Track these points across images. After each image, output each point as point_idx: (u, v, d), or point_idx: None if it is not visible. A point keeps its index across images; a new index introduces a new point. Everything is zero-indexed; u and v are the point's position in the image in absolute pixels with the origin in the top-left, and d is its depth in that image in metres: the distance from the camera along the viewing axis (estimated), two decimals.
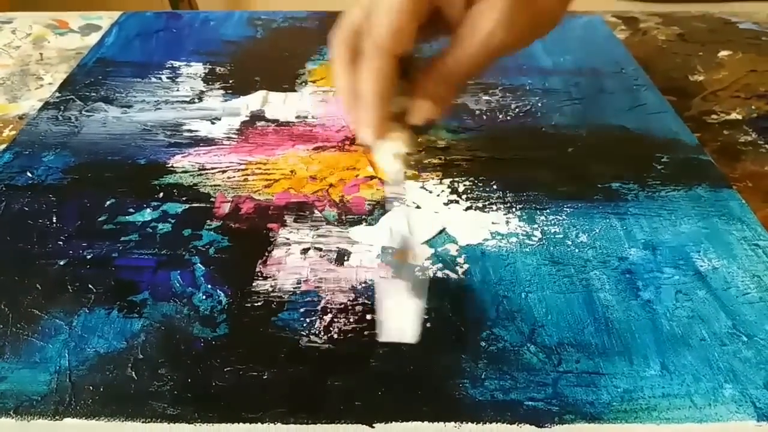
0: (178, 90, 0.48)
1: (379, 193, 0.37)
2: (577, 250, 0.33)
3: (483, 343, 0.28)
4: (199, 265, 0.32)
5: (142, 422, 0.25)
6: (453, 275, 0.31)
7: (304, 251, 0.33)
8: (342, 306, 0.29)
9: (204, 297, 0.30)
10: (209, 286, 0.30)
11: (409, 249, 0.30)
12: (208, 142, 0.42)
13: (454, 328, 0.28)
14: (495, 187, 0.37)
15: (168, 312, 0.29)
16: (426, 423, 0.25)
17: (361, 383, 0.26)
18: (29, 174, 0.38)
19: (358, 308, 0.29)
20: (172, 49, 0.54)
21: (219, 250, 0.33)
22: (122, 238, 0.33)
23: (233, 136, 0.42)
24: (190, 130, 0.43)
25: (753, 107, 0.47)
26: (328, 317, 0.29)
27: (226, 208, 0.36)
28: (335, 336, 0.28)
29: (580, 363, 0.27)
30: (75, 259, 0.32)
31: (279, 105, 0.46)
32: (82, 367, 0.27)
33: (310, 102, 0.46)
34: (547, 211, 0.35)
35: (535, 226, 0.34)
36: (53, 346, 0.27)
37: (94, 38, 0.56)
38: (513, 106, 0.46)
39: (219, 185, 0.37)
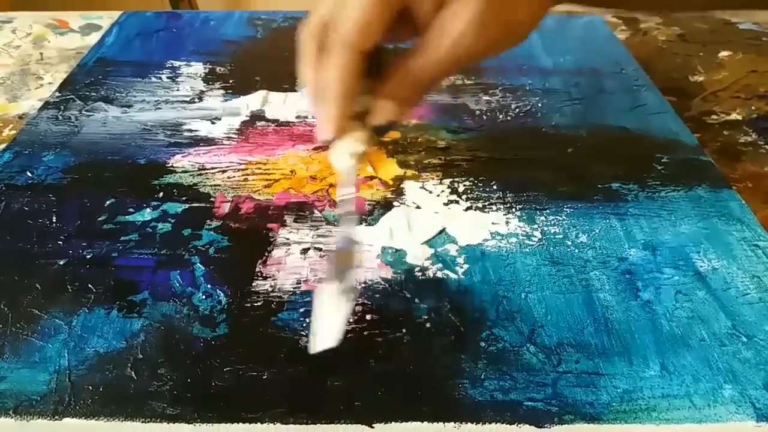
0: (178, 90, 0.48)
1: (380, 193, 0.37)
2: (576, 251, 0.33)
3: (483, 344, 0.28)
4: (198, 265, 0.32)
5: (142, 422, 0.25)
6: (453, 275, 0.31)
7: (304, 251, 0.33)
8: None
9: (204, 297, 0.30)
10: (209, 286, 0.30)
11: (353, 252, 0.30)
12: (208, 141, 0.42)
13: (453, 329, 0.28)
14: (495, 187, 0.37)
15: (168, 312, 0.29)
16: (425, 423, 0.25)
17: (361, 383, 0.26)
18: (29, 173, 0.38)
19: (358, 308, 0.29)
20: (173, 48, 0.54)
21: (219, 250, 0.33)
22: (122, 238, 0.33)
23: (233, 135, 0.42)
24: (190, 130, 0.43)
25: (753, 108, 0.47)
26: None
27: (226, 207, 0.36)
28: None
29: (580, 363, 0.27)
30: (75, 258, 0.32)
31: (279, 105, 0.46)
32: (82, 366, 0.27)
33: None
34: (547, 211, 0.35)
35: (535, 226, 0.34)
36: (53, 346, 0.27)
37: (94, 38, 0.56)
38: (513, 106, 0.46)
39: (219, 185, 0.37)
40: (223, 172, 0.39)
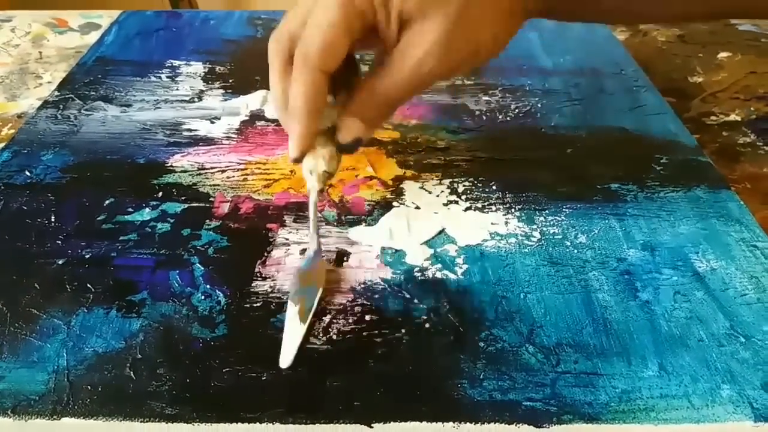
0: (177, 89, 0.48)
1: (379, 193, 0.37)
2: (575, 251, 0.33)
3: (482, 344, 0.28)
4: (198, 265, 0.32)
5: (141, 422, 0.25)
6: (452, 275, 0.31)
7: (304, 252, 0.33)
8: (341, 307, 0.29)
9: (203, 297, 0.30)
10: (208, 286, 0.30)
11: (318, 270, 0.30)
12: (208, 141, 0.42)
13: (452, 329, 0.28)
14: (494, 187, 0.37)
15: (167, 312, 0.29)
16: (424, 423, 0.25)
17: (360, 383, 0.26)
18: (28, 173, 0.38)
19: (357, 309, 0.29)
20: (172, 48, 0.54)
21: (218, 250, 0.33)
22: (121, 238, 0.33)
23: (233, 135, 0.42)
24: (189, 130, 0.43)
25: (752, 109, 0.47)
26: (327, 318, 0.29)
27: (225, 207, 0.36)
28: (334, 336, 0.28)
29: (579, 363, 0.27)
30: (73, 258, 0.32)
31: None
32: (81, 366, 0.27)
33: None
34: (546, 211, 0.35)
35: (534, 226, 0.34)
36: (51, 346, 0.27)
37: (93, 37, 0.56)
38: (513, 106, 0.46)
39: (218, 185, 0.37)
40: (223, 171, 0.39)
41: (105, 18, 0.60)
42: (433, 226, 0.34)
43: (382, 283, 0.31)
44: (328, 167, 0.28)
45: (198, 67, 0.51)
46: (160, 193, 0.37)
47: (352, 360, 0.27)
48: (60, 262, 0.32)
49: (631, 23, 0.56)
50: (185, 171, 0.39)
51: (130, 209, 0.35)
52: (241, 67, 0.51)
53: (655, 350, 0.27)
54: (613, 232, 0.34)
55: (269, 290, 0.30)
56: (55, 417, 0.25)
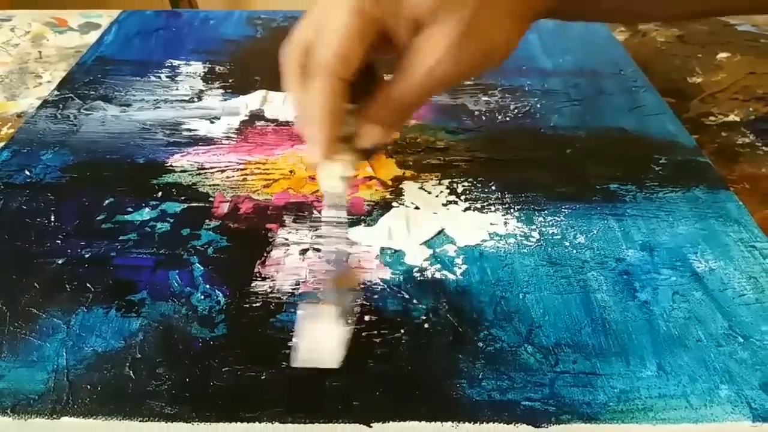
0: (177, 89, 0.48)
1: (378, 193, 0.37)
2: (574, 251, 0.33)
3: (480, 344, 0.28)
4: (197, 264, 0.32)
5: (140, 421, 0.25)
6: (451, 276, 0.31)
7: (303, 252, 0.33)
8: None
9: (202, 297, 0.30)
10: (208, 286, 0.31)
11: (351, 272, 0.30)
12: (207, 141, 0.42)
13: (451, 329, 0.28)
14: (493, 188, 0.37)
15: (166, 312, 0.29)
16: (423, 423, 0.25)
17: (359, 383, 0.26)
18: (27, 172, 0.38)
19: (356, 309, 0.29)
20: (172, 47, 0.54)
21: (217, 250, 0.33)
22: (120, 238, 0.33)
23: (232, 135, 0.42)
24: (189, 130, 0.43)
25: (751, 109, 0.47)
26: None
27: (224, 207, 0.36)
28: None
29: (577, 363, 0.27)
30: (73, 258, 0.32)
31: (279, 105, 0.46)
32: (80, 366, 0.27)
33: None
34: (546, 212, 0.36)
35: (533, 227, 0.34)
36: (51, 345, 0.27)
37: (93, 36, 0.56)
38: (512, 107, 0.46)
39: (218, 185, 0.37)
40: (222, 171, 0.39)
41: (105, 18, 0.60)
42: (433, 227, 0.34)
43: (381, 283, 0.31)
44: (347, 173, 0.29)
45: (198, 67, 0.51)
46: (160, 193, 0.37)
47: (351, 360, 0.27)
48: (59, 261, 0.32)
49: (631, 23, 0.56)
50: (185, 171, 0.39)
51: (130, 209, 0.35)
52: (241, 67, 0.51)
53: (653, 350, 0.28)
54: (611, 232, 0.34)
55: (269, 290, 0.30)
56: (54, 416, 0.25)
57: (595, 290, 0.30)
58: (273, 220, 0.35)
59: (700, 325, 0.29)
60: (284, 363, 0.27)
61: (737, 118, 0.46)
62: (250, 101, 0.46)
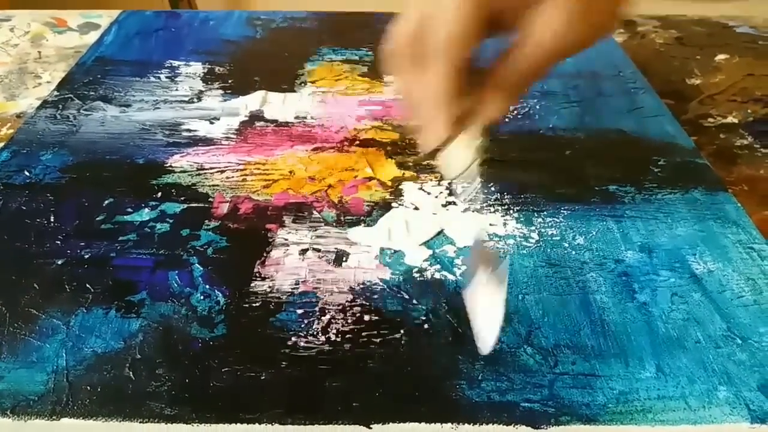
0: (177, 89, 0.48)
1: (378, 194, 0.37)
2: (573, 253, 0.33)
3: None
4: (197, 265, 0.32)
5: (140, 422, 0.25)
6: (450, 276, 0.31)
7: (303, 252, 0.33)
8: (340, 307, 0.30)
9: (202, 297, 0.30)
10: (207, 286, 0.31)
11: (491, 253, 0.30)
12: (207, 142, 0.42)
13: (451, 329, 0.29)
14: (493, 189, 0.37)
15: (166, 312, 0.29)
16: (423, 424, 0.25)
17: (359, 384, 0.26)
18: (27, 173, 0.38)
19: (356, 309, 0.29)
20: (172, 48, 0.54)
21: (217, 250, 0.33)
22: (120, 238, 0.33)
23: (232, 136, 0.42)
24: (188, 130, 0.43)
25: (749, 111, 0.47)
26: (326, 318, 0.29)
27: (224, 208, 0.36)
28: (333, 337, 0.28)
29: (576, 365, 0.27)
30: (73, 258, 0.32)
31: (278, 105, 0.46)
32: (80, 367, 0.27)
33: (309, 102, 0.46)
34: (545, 213, 0.36)
35: (533, 228, 0.35)
36: (50, 346, 0.27)
37: (93, 37, 0.56)
38: (511, 108, 0.46)
39: (217, 185, 0.37)
40: (222, 172, 0.39)
41: (104, 18, 0.60)
42: (432, 227, 0.34)
43: (381, 283, 0.31)
44: (473, 148, 0.29)
45: (197, 68, 0.51)
46: (160, 194, 0.37)
47: (350, 360, 0.27)
48: (59, 262, 0.32)
49: None
50: (184, 171, 0.39)
51: (130, 209, 0.35)
52: (241, 68, 0.51)
53: (652, 352, 0.28)
54: (610, 233, 0.34)
55: (268, 290, 0.30)
56: (54, 417, 0.25)
57: (594, 291, 0.31)
58: (272, 220, 0.35)
59: (699, 327, 0.29)
60: (284, 363, 0.27)
61: (736, 120, 0.46)
62: (250, 102, 0.46)
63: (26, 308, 0.29)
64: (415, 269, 0.32)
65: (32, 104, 0.46)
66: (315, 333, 0.28)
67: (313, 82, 0.49)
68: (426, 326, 0.29)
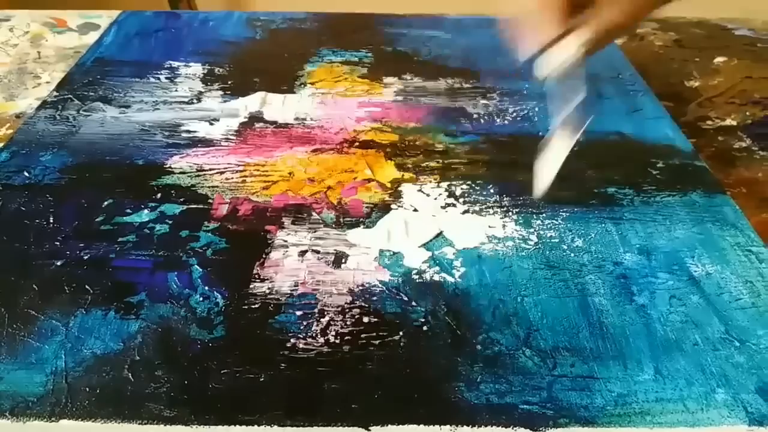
0: (176, 90, 0.48)
1: (377, 195, 0.37)
2: (572, 255, 0.33)
3: (479, 347, 0.28)
4: (196, 266, 0.32)
5: (139, 424, 0.25)
6: (450, 278, 0.31)
7: (302, 253, 0.33)
8: (339, 308, 0.30)
9: (201, 299, 0.30)
10: (206, 287, 0.31)
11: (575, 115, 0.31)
12: (207, 143, 0.42)
13: (450, 332, 0.29)
14: (492, 191, 0.38)
15: (165, 313, 0.29)
16: (422, 426, 0.25)
17: (358, 386, 0.26)
18: (26, 174, 0.38)
19: (356, 311, 0.29)
20: (171, 49, 0.54)
21: (216, 251, 0.33)
22: (119, 239, 0.33)
23: (231, 137, 0.42)
24: (188, 131, 0.43)
25: (748, 113, 0.47)
26: (325, 320, 0.29)
27: (223, 209, 0.36)
28: (332, 339, 0.28)
29: (575, 367, 0.27)
30: (72, 259, 0.32)
31: (278, 106, 0.46)
32: (79, 368, 0.27)
33: (309, 104, 0.46)
34: (544, 215, 0.36)
35: (532, 230, 0.35)
36: (49, 347, 0.27)
37: (92, 37, 0.56)
38: (511, 110, 0.46)
39: (217, 186, 0.37)
40: (221, 173, 0.39)
41: (104, 18, 0.60)
42: (431, 229, 0.34)
43: (380, 285, 0.31)
44: (580, 44, 0.30)
45: (197, 69, 0.51)
46: (159, 195, 0.37)
47: (349, 362, 0.27)
48: (58, 263, 0.32)
49: None
50: (184, 172, 0.39)
51: (129, 210, 0.35)
52: (240, 69, 0.51)
53: (650, 354, 0.28)
54: (609, 236, 0.34)
55: (267, 292, 0.30)
56: (53, 419, 0.25)
57: (592, 294, 0.31)
58: (272, 221, 0.35)
59: (697, 329, 0.29)
60: (283, 365, 0.27)
61: (734, 123, 0.46)
62: (250, 103, 0.46)
63: (25, 309, 0.29)
64: (415, 271, 0.32)
65: (32, 105, 0.46)
66: (314, 335, 0.28)
67: (312, 84, 0.49)
68: (425, 328, 0.29)
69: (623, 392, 0.26)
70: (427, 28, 0.58)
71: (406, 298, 0.30)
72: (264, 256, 0.33)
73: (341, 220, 0.35)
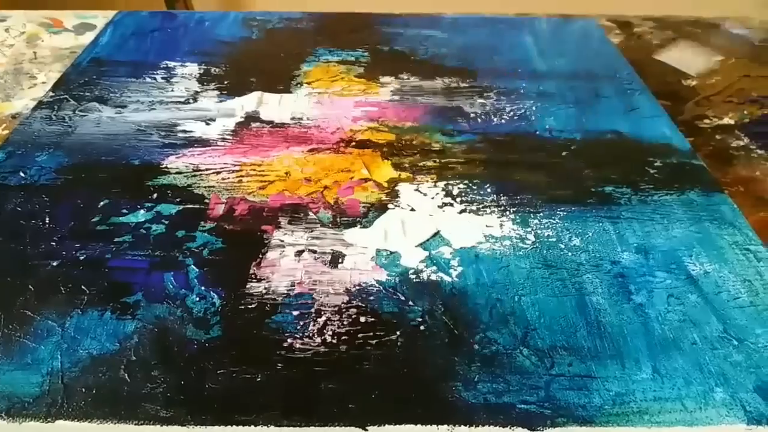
0: (172, 90, 0.47)
1: (374, 195, 0.37)
2: (570, 254, 0.33)
3: (476, 346, 0.28)
4: (192, 266, 0.32)
5: (135, 425, 0.25)
6: (447, 278, 0.31)
7: (299, 253, 0.33)
8: (336, 308, 0.29)
9: (197, 299, 0.30)
10: (203, 287, 0.30)
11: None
12: (203, 143, 0.41)
13: (447, 331, 0.28)
14: (489, 190, 0.37)
15: (161, 314, 0.29)
16: (419, 426, 0.25)
17: (355, 386, 0.26)
18: (22, 174, 0.38)
19: (352, 311, 0.29)
20: (167, 49, 0.54)
21: (213, 251, 0.33)
22: (115, 239, 0.33)
23: (228, 137, 0.42)
24: (184, 131, 0.43)
25: (745, 112, 0.47)
26: (322, 320, 0.29)
27: (220, 209, 0.36)
28: (329, 339, 0.28)
29: (573, 366, 0.27)
30: (68, 260, 0.32)
31: (274, 106, 0.46)
32: (75, 368, 0.26)
33: (306, 103, 0.46)
34: (541, 214, 0.36)
35: (529, 229, 0.35)
36: (45, 348, 0.27)
37: (88, 37, 0.56)
38: (508, 109, 0.46)
39: (213, 186, 0.37)
40: (218, 173, 0.39)
41: (100, 18, 0.60)
42: (428, 229, 0.34)
43: (376, 285, 0.31)
44: None
45: (193, 68, 0.51)
46: (155, 195, 0.36)
47: (346, 362, 0.27)
48: (54, 263, 0.32)
49: None
50: (180, 172, 0.38)
51: (125, 211, 0.35)
52: (236, 69, 0.51)
53: (648, 353, 0.28)
54: (607, 235, 0.34)
55: (264, 292, 0.30)
56: (49, 419, 0.25)
57: (590, 293, 0.31)
58: (268, 221, 0.35)
59: (695, 328, 0.29)
60: (280, 365, 0.27)
61: (732, 121, 0.46)
62: (246, 103, 0.46)
63: (21, 310, 0.29)
64: (412, 271, 0.32)
65: (27, 105, 0.46)
66: (311, 335, 0.28)
67: (309, 83, 0.49)
68: (422, 328, 0.29)
69: (621, 391, 0.26)
70: (423, 27, 0.58)
71: (403, 298, 0.30)
72: (260, 256, 0.32)
73: (338, 219, 0.35)
